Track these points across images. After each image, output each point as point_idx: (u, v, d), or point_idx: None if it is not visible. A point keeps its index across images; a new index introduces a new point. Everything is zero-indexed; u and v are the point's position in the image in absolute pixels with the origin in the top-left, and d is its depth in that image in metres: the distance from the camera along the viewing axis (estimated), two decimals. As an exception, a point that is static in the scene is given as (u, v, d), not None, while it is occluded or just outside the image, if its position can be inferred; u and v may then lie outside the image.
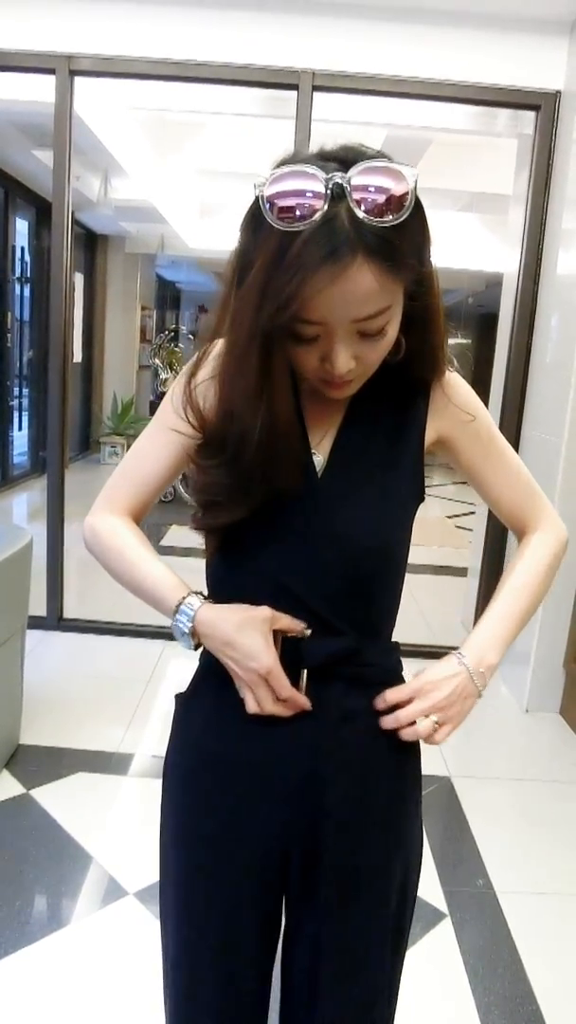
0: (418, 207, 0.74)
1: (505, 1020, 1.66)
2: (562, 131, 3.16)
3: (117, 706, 2.93)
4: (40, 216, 7.32)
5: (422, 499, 0.94)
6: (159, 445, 0.93)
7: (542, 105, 3.16)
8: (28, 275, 7.38)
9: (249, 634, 0.83)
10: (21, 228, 7.19)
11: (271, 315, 0.72)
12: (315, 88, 3.15)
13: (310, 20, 3.08)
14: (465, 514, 6.79)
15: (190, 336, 12.84)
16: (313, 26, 3.09)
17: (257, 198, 0.73)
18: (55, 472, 3.58)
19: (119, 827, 2.23)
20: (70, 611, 3.67)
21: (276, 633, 0.85)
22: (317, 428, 0.89)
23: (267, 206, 0.72)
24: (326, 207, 0.70)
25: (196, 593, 0.90)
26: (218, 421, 0.83)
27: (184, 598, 0.88)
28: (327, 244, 0.70)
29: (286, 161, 0.74)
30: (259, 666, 0.82)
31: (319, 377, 0.81)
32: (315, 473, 0.87)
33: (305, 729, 0.87)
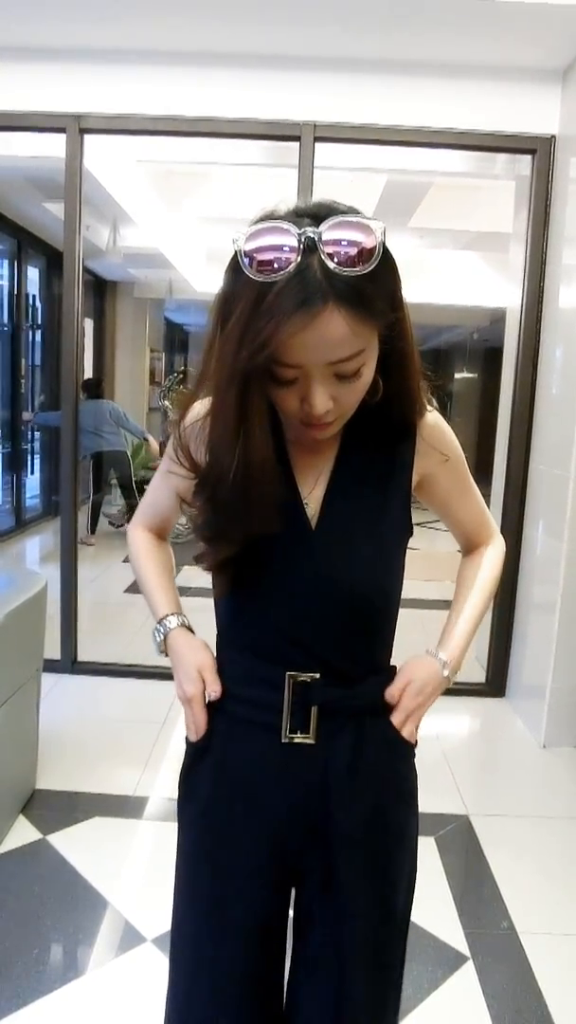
0: (386, 257, 0.79)
1: (531, 1066, 1.63)
2: (558, 173, 3.25)
3: (132, 749, 2.93)
4: (50, 264, 7.50)
5: (411, 532, 1.00)
6: (165, 483, 1.07)
7: (538, 149, 3.25)
8: (40, 322, 7.54)
9: (184, 675, 1.00)
10: (32, 276, 7.37)
11: (249, 357, 0.77)
12: (316, 139, 3.25)
13: (310, 75, 3.19)
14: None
15: (198, 377, 13.05)
16: (313, 80, 3.20)
17: (236, 252, 0.78)
18: (68, 515, 3.62)
19: (136, 872, 2.22)
20: (84, 654, 3.68)
21: (288, 677, 0.93)
22: (307, 477, 0.94)
23: (245, 260, 0.77)
24: (299, 259, 0.76)
25: (175, 615, 1.07)
26: (207, 460, 0.88)
27: (165, 616, 1.06)
28: (300, 293, 0.75)
29: (263, 218, 0.80)
30: (183, 693, 1.00)
31: (300, 419, 0.86)
32: (308, 523, 0.92)
33: (318, 755, 0.95)
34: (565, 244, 3.16)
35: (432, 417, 0.98)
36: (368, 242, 0.76)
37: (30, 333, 7.38)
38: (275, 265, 0.75)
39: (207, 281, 8.34)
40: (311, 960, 1.01)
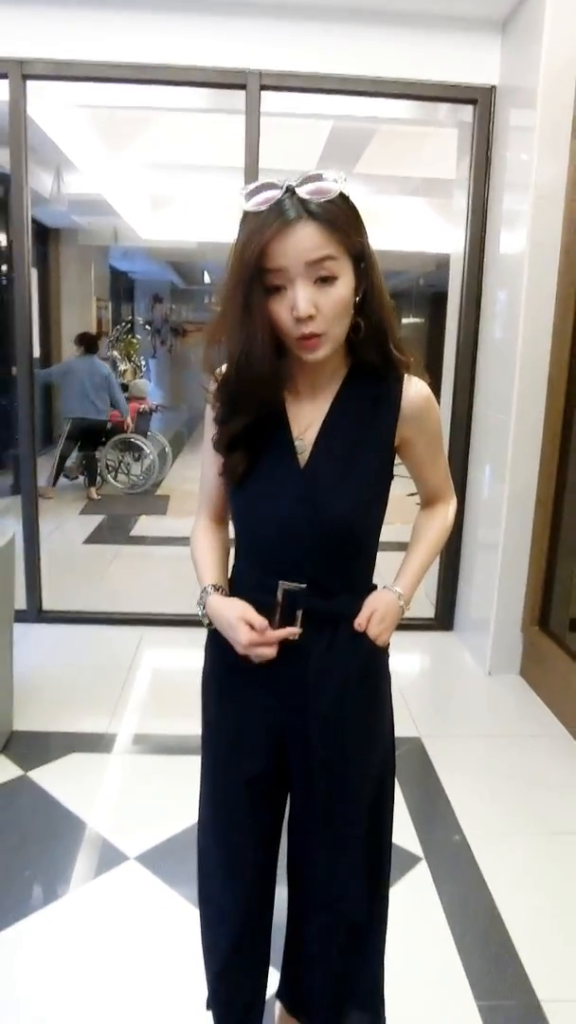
0: (345, 199, 1.04)
1: (478, 942, 1.85)
2: (498, 122, 3.33)
3: (102, 690, 3.06)
4: (-10, 212, 7.28)
5: (392, 476, 1.20)
6: (206, 457, 1.24)
7: (479, 99, 3.32)
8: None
9: (231, 630, 1.15)
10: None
11: (246, 264, 1.01)
12: (263, 87, 3.26)
13: (256, 22, 3.18)
14: (425, 491, 6.98)
15: (146, 327, 12.85)
16: (259, 28, 3.19)
17: (241, 203, 1.04)
18: (28, 468, 3.66)
19: (114, 800, 2.38)
20: (49, 603, 3.77)
21: (279, 586, 1.12)
22: (301, 423, 1.14)
23: (246, 204, 1.03)
24: (281, 196, 1.02)
25: (211, 585, 1.22)
26: (213, 350, 1.12)
27: (205, 587, 1.22)
28: (280, 212, 1.00)
29: (260, 180, 1.05)
30: (241, 646, 1.15)
31: (294, 336, 1.04)
32: (298, 461, 1.13)
33: (301, 650, 1.16)
34: (505, 190, 3.27)
35: (424, 392, 1.17)
36: (332, 186, 1.02)
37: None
38: (263, 201, 1.01)
39: (152, 227, 8.22)
40: (295, 818, 1.29)
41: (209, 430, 1.20)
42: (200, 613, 1.22)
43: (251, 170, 3.37)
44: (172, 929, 1.84)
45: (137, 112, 5.05)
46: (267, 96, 3.30)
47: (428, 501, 1.33)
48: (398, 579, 1.26)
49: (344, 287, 1.03)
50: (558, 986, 1.73)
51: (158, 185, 7.30)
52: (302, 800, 1.26)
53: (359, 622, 1.19)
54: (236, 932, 1.31)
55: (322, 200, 1.00)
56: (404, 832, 2.24)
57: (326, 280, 1.01)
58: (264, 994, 1.40)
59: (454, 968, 1.77)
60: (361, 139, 5.18)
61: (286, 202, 1.00)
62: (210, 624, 1.22)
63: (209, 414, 1.19)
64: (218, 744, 1.28)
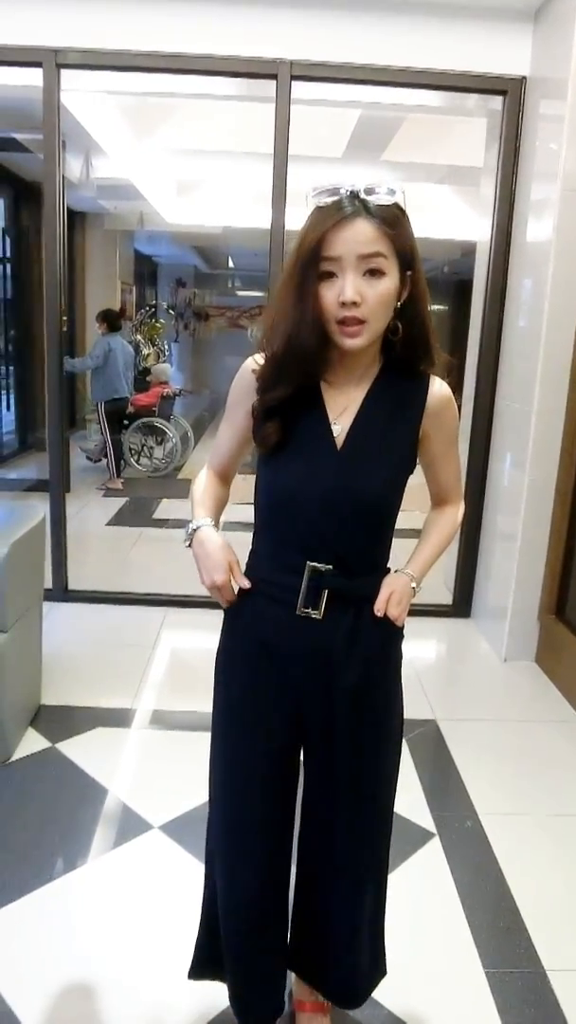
0: (402, 210, 1.14)
1: (488, 915, 1.92)
2: (528, 113, 3.34)
3: (126, 668, 3.15)
4: (18, 196, 7.36)
5: (412, 469, 1.28)
6: (227, 426, 1.34)
7: (508, 90, 3.33)
8: (8, 256, 7.44)
9: (208, 559, 1.25)
10: (-2, 208, 7.24)
11: (305, 249, 1.11)
12: (293, 77, 3.29)
13: (287, 12, 3.22)
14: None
15: (169, 311, 12.89)
16: (290, 18, 3.22)
17: (307, 198, 1.14)
18: (56, 447, 3.74)
19: (140, 772, 2.46)
20: (74, 583, 3.87)
21: (308, 565, 1.20)
22: (336, 409, 1.22)
23: (312, 200, 1.13)
24: (345, 196, 1.12)
25: (208, 522, 1.30)
26: (270, 331, 1.20)
27: (200, 518, 1.30)
28: (340, 206, 1.11)
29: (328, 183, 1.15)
30: (210, 581, 1.26)
31: (336, 318, 1.13)
32: (335, 443, 1.20)
33: (325, 628, 1.23)
34: (533, 179, 3.28)
35: (446, 392, 1.26)
36: (389, 199, 1.12)
37: (0, 267, 7.30)
38: (328, 199, 1.12)
39: (177, 212, 8.25)
40: (312, 790, 1.35)
41: (235, 398, 1.29)
42: (188, 531, 1.29)
43: (280, 158, 3.40)
44: (196, 893, 1.92)
45: (165, 99, 5.07)
46: (297, 85, 3.33)
47: (438, 501, 1.40)
48: (410, 564, 1.34)
49: (390, 283, 1.12)
50: (565, 957, 1.80)
51: (184, 170, 7.32)
52: (321, 773, 1.31)
53: (379, 606, 1.25)
54: (253, 915, 1.35)
55: (380, 203, 1.10)
56: (418, 809, 2.31)
57: (374, 273, 1.11)
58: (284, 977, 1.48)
59: (464, 938, 1.84)
60: (389, 127, 5.18)
61: (347, 201, 1.10)
62: (189, 544, 1.29)
63: (238, 381, 1.28)
64: (233, 722, 1.33)
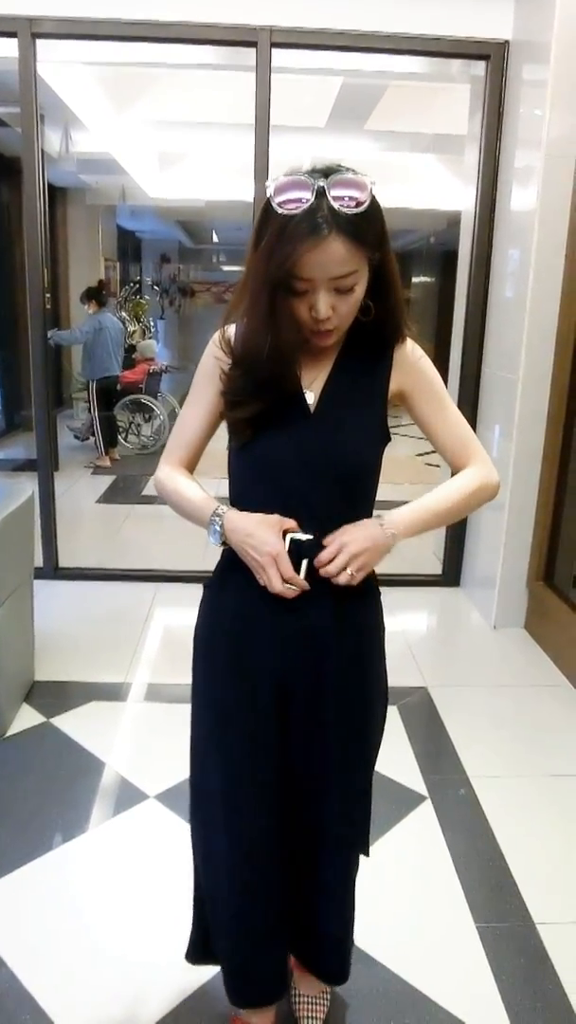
0: (375, 205, 1.07)
1: (479, 873, 1.97)
2: (511, 78, 3.31)
3: (118, 643, 3.17)
4: (-2, 171, 7.25)
5: (388, 439, 1.26)
6: (197, 404, 1.26)
7: (491, 55, 3.30)
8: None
9: (264, 528, 1.15)
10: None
11: (275, 270, 1.05)
12: (273, 45, 3.25)
13: (266, -23, 3.16)
14: (432, 451, 7.02)
15: (154, 287, 12.77)
16: (269, -17, 3.17)
17: (268, 196, 1.06)
18: (43, 426, 3.73)
19: (134, 744, 2.49)
20: (65, 560, 3.87)
21: (284, 534, 1.15)
22: (309, 377, 1.20)
23: (275, 201, 1.05)
24: (312, 201, 1.03)
25: (224, 506, 1.22)
26: (241, 346, 1.17)
27: (217, 508, 1.21)
28: (311, 223, 1.03)
29: (289, 172, 1.06)
30: (271, 549, 1.14)
31: (309, 327, 1.11)
32: (308, 409, 1.19)
33: (305, 602, 1.18)
34: (517, 147, 3.27)
35: (410, 342, 1.23)
36: (361, 195, 1.04)
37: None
38: (295, 205, 1.03)
39: (160, 186, 8.15)
40: (299, 777, 1.30)
41: (203, 378, 1.23)
42: (215, 530, 1.19)
43: (262, 128, 3.37)
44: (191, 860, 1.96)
45: (145, 69, 4.99)
46: (277, 52, 3.29)
47: (454, 468, 1.30)
48: (392, 512, 1.22)
49: (360, 291, 1.10)
50: (553, 910, 1.85)
51: (166, 143, 7.22)
52: (309, 747, 1.27)
53: (320, 557, 1.14)
54: (246, 901, 1.33)
55: (354, 212, 1.03)
56: (410, 773, 2.35)
57: (346, 289, 1.08)
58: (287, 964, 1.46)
59: (456, 895, 1.88)
60: (372, 95, 5.12)
61: (318, 213, 1.02)
62: (224, 544, 1.20)
63: (206, 361, 1.22)
64: (219, 713, 1.28)
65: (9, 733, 2.50)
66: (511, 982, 1.65)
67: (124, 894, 1.87)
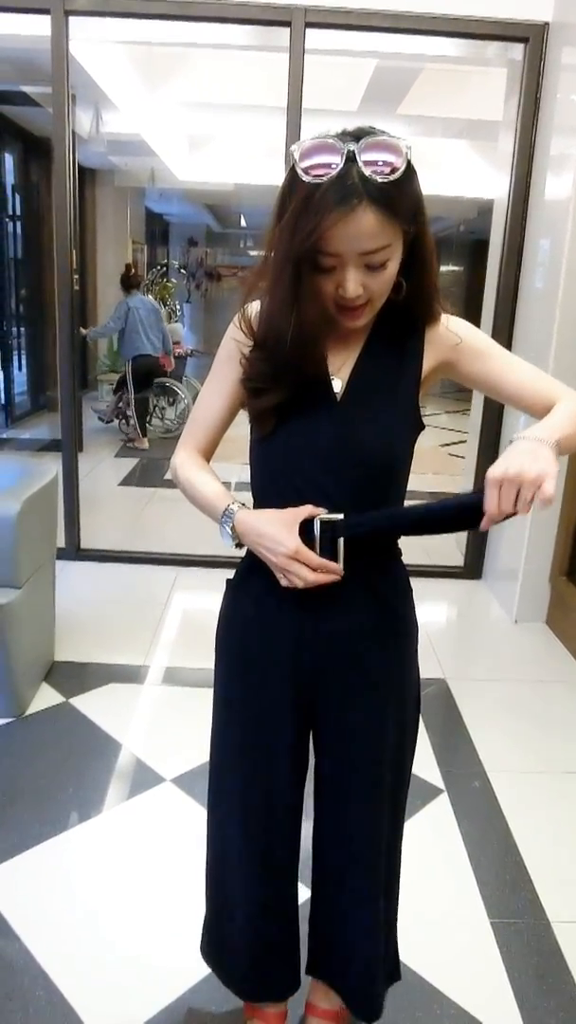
0: (410, 172, 0.97)
1: (494, 867, 1.95)
2: (550, 61, 3.24)
3: (138, 626, 3.18)
4: (27, 152, 7.25)
5: (421, 427, 1.17)
6: (217, 387, 1.18)
7: (530, 37, 3.23)
8: (17, 213, 7.35)
9: (277, 526, 1.07)
10: (7, 165, 7.13)
11: (299, 244, 0.96)
12: (308, 25, 3.20)
13: (302, -45, 3.12)
14: (457, 442, 6.97)
15: (181, 271, 12.75)
16: (305, -39, 3.12)
17: (293, 162, 0.97)
18: (68, 407, 3.74)
19: (152, 727, 2.50)
20: (86, 542, 3.89)
21: (311, 520, 1.06)
22: (336, 361, 1.12)
23: (300, 167, 0.96)
24: (341, 167, 0.94)
25: (238, 502, 1.14)
26: (262, 327, 1.08)
27: (228, 505, 1.13)
28: (340, 192, 0.94)
29: (317, 136, 0.98)
30: (286, 549, 1.05)
31: (336, 305, 1.03)
32: (335, 395, 1.11)
33: (332, 606, 1.11)
34: (554, 133, 3.20)
35: (447, 316, 1.15)
36: (396, 159, 0.95)
37: (9, 224, 7.21)
38: (321, 171, 0.94)
39: (189, 169, 8.11)
40: (326, 778, 1.25)
41: (223, 361, 1.16)
42: (226, 531, 1.12)
43: (294, 111, 3.33)
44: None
45: (176, 49, 4.96)
46: (311, 33, 3.25)
47: (543, 413, 1.12)
48: (528, 429, 1.05)
49: (393, 267, 1.01)
50: (568, 908, 1.83)
51: (196, 125, 7.19)
52: (338, 755, 1.23)
53: (491, 510, 0.96)
54: (261, 909, 1.30)
55: (387, 179, 0.94)
56: (427, 766, 2.33)
57: (377, 267, 0.99)
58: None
59: (469, 889, 1.87)
60: (406, 78, 5.05)
61: (347, 180, 0.93)
62: (238, 545, 1.13)
63: (227, 343, 1.15)
64: (242, 717, 1.23)
65: (28, 712, 2.52)
66: (524, 979, 1.64)
67: (139, 875, 1.88)
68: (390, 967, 1.39)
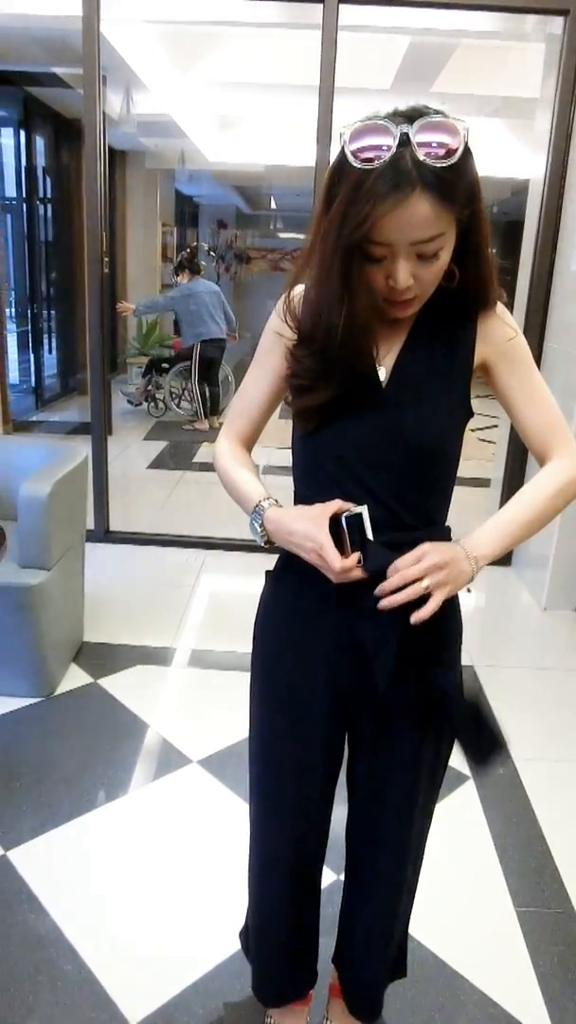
0: (467, 155, 0.92)
1: (520, 855, 1.94)
2: (590, 37, 3.15)
3: (166, 608, 3.20)
4: (58, 134, 7.25)
5: (471, 414, 1.12)
6: (261, 374, 1.16)
7: (571, 10, 3.15)
8: (49, 195, 7.37)
9: (304, 522, 1.04)
10: (38, 146, 7.14)
11: (350, 233, 0.92)
12: (341, 1, 3.15)
13: None
14: (488, 427, 6.89)
15: (210, 253, 12.70)
16: None
17: (342, 145, 0.92)
18: (97, 390, 3.75)
19: (179, 709, 2.52)
20: (115, 524, 3.92)
21: (337, 517, 1.02)
22: (382, 347, 1.06)
23: (350, 151, 0.91)
24: (394, 151, 0.89)
25: (269, 499, 1.12)
26: (309, 320, 1.03)
27: (260, 502, 1.11)
28: (393, 178, 0.89)
29: (368, 117, 0.92)
30: (314, 545, 1.02)
31: (385, 296, 0.99)
32: (380, 383, 1.06)
33: (369, 592, 1.05)
34: (592, 113, 3.12)
35: (502, 310, 1.10)
36: (453, 141, 0.90)
37: (40, 207, 7.23)
38: (373, 155, 0.89)
39: (219, 150, 8.06)
40: (359, 778, 1.24)
41: (266, 350, 1.14)
42: (255, 528, 1.11)
43: (326, 90, 3.28)
44: (234, 826, 1.98)
45: (207, 28, 4.91)
46: (345, 9, 3.19)
47: (539, 457, 1.15)
48: (474, 533, 1.08)
49: (445, 257, 0.96)
50: (596, 899, 1.82)
51: (227, 105, 7.13)
52: (372, 763, 1.21)
53: (381, 588, 0.99)
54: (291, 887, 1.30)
55: (444, 163, 0.89)
56: (453, 752, 2.32)
57: (429, 257, 0.95)
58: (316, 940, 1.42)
59: (495, 877, 1.87)
60: (440, 55, 4.95)
61: (400, 165, 0.88)
62: (268, 542, 1.11)
63: (268, 334, 1.12)
64: (277, 720, 1.22)
65: (58, 692, 2.55)
66: (548, 967, 1.63)
67: (165, 855, 1.90)
68: (396, 965, 1.41)
